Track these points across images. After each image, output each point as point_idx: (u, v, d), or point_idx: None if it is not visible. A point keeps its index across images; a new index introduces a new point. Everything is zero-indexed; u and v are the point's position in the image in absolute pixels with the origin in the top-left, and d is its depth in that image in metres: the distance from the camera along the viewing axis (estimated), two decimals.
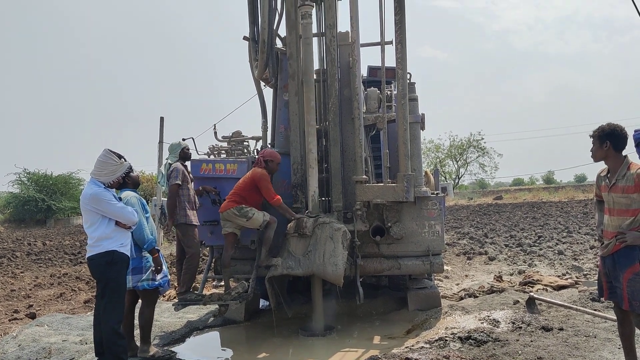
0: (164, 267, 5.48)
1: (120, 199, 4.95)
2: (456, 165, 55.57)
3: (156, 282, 5.36)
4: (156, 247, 5.34)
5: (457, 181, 55.95)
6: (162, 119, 18.47)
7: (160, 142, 18.32)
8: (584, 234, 14.66)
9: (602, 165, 4.15)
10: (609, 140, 3.94)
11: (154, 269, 5.34)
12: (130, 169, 5.06)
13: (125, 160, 4.84)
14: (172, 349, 5.86)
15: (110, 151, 4.77)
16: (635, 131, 3.88)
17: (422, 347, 5.16)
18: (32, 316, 7.77)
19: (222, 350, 6.18)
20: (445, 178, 52.49)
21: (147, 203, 5.68)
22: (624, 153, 3.99)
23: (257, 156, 7.10)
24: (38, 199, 38.20)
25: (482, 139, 53.65)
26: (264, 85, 7.93)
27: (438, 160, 54.00)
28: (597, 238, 4.15)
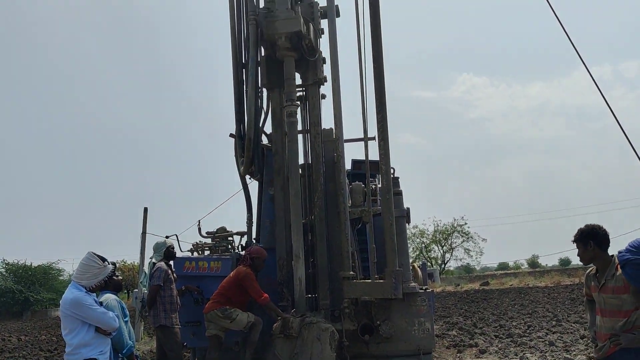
0: None
1: (100, 303, 4.80)
2: (441, 251, 55.53)
3: None
4: (135, 354, 5.13)
5: (443, 267, 55.67)
6: (145, 209, 18.37)
7: (144, 232, 18.08)
8: (573, 322, 14.44)
9: None
10: (591, 241, 3.97)
11: None
12: (114, 272, 4.95)
13: (108, 263, 4.75)
14: None
15: (94, 254, 4.69)
16: (619, 252, 3.89)
17: None
18: None
19: None
20: (432, 264, 52.27)
21: (129, 295, 5.52)
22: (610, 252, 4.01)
23: (241, 253, 7.02)
24: (16, 290, 37.05)
25: (466, 223, 54.03)
26: (250, 179, 7.98)
27: (423, 245, 54.01)
28: (590, 339, 4.07)
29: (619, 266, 3.89)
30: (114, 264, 4.92)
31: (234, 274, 6.08)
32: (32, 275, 39.22)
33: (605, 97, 5.38)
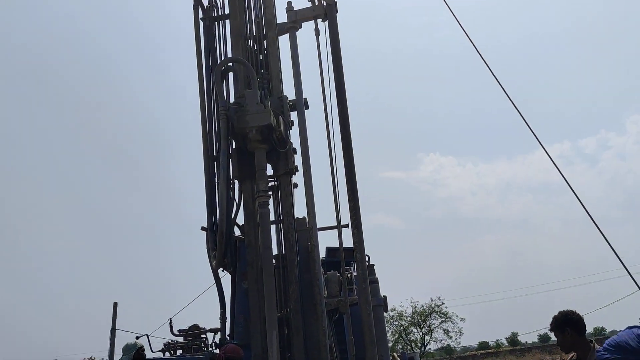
0: None
1: None
2: (421, 333, 54.41)
3: None
4: None
5: (423, 350, 54.33)
6: (115, 304, 17.74)
7: (113, 329, 17.38)
8: None
9: None
10: (568, 327, 3.94)
11: None
12: None
13: None
14: None
15: None
16: (597, 351, 3.81)
17: None
18: None
19: None
20: (412, 347, 51.00)
21: None
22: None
23: (215, 351, 6.74)
24: None
25: (443, 303, 53.39)
26: (222, 271, 7.81)
27: (402, 328, 52.89)
28: None
29: None
30: None
31: None
32: None
33: (563, 174, 5.57)
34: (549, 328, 4.08)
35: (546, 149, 5.88)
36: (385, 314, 7.20)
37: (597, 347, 3.89)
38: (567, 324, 3.94)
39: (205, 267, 7.43)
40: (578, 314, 4.00)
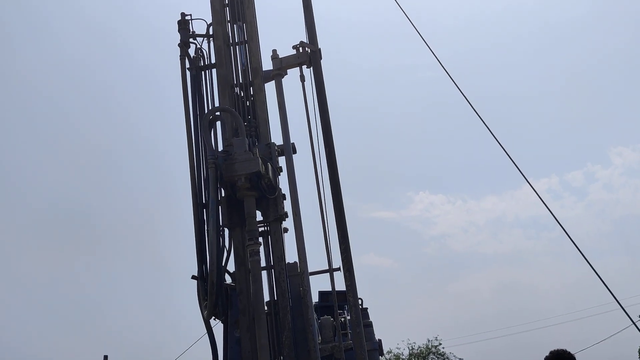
0: None
1: None
2: None
3: None
4: None
5: None
6: (105, 357, 17.41)
7: None
8: None
9: None
10: None
11: None
12: None
13: None
14: None
15: None
16: None
17: None
18: None
19: None
20: None
21: None
22: None
23: None
24: None
25: (440, 344, 52.70)
26: (214, 319, 7.69)
27: None
28: None
29: None
30: None
31: None
32: None
33: (550, 210, 5.62)
34: None
35: (532, 185, 6.00)
36: (380, 357, 7.09)
37: None
38: None
39: (195, 316, 7.33)
40: (569, 353, 3.99)
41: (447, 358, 52.35)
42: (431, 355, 52.59)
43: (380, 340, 7.01)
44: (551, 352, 3.99)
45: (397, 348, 53.21)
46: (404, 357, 53.07)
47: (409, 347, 53.09)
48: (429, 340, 53.02)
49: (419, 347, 53.05)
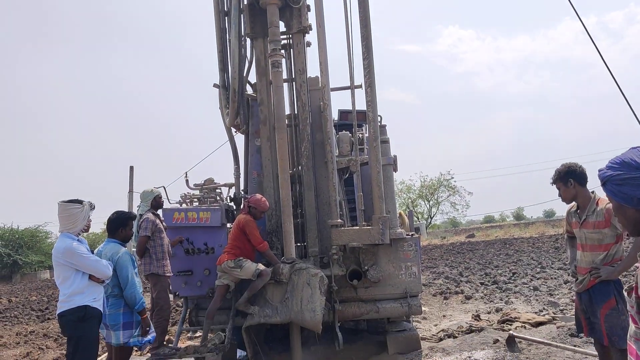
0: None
1: (93, 252, 4.79)
2: (428, 205, 56.09)
3: (146, 339, 5.15)
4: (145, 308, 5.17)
5: (429, 221, 56.36)
6: (131, 168, 18.31)
7: (130, 191, 18.02)
8: (557, 269, 14.80)
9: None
10: (571, 179, 4.03)
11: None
12: (93, 206, 4.83)
13: (84, 202, 4.68)
14: None
15: (66, 202, 4.60)
16: (599, 170, 3.91)
17: None
18: None
19: None
20: (418, 218, 52.84)
21: None
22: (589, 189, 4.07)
23: (230, 204, 7.06)
24: (3, 254, 37.04)
25: (452, 178, 54.48)
26: (235, 132, 7.94)
27: (410, 200, 54.45)
28: (570, 274, 4.20)
29: (599, 201, 3.98)
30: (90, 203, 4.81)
31: (236, 223, 6.16)
32: (19, 239, 39.13)
33: (596, 45, 5.36)
34: (552, 181, 4.17)
35: (573, 22, 5.59)
36: (394, 173, 7.36)
37: (598, 197, 4.03)
38: (570, 175, 4.04)
39: (218, 124, 7.56)
40: (581, 166, 4.08)
41: (458, 191, 54.47)
42: (441, 188, 54.65)
43: (395, 156, 7.21)
44: (563, 165, 4.09)
45: (409, 180, 55.30)
46: (415, 188, 55.31)
47: (421, 180, 55.10)
48: (441, 174, 54.77)
49: (431, 179, 54.97)
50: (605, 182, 1.90)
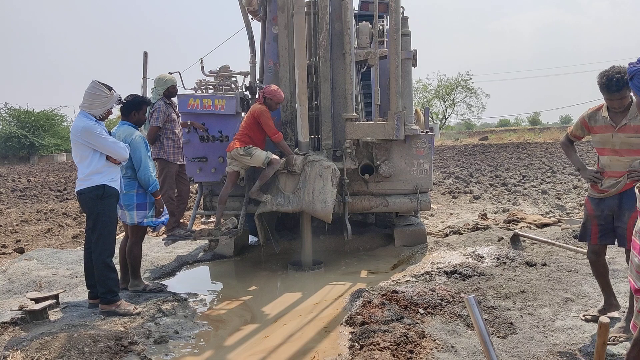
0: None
1: (110, 133, 4.84)
2: (443, 106, 55.46)
3: (159, 220, 5.32)
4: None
5: (444, 122, 55.98)
6: (145, 53, 17.99)
7: (144, 77, 17.94)
8: (568, 174, 14.86)
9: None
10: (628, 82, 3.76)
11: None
12: (120, 100, 4.90)
13: (114, 92, 4.71)
14: (163, 282, 5.94)
15: (99, 82, 4.62)
16: (630, 64, 3.63)
17: (409, 280, 5.28)
18: (21, 251, 7.79)
19: (212, 283, 6.28)
20: (433, 118, 52.44)
21: None
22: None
23: (245, 92, 7.01)
24: (20, 135, 37.67)
25: (470, 79, 53.36)
26: (252, 18, 7.70)
27: (426, 100, 53.77)
28: (589, 178, 4.08)
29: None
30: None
31: (250, 112, 6.14)
32: (35, 121, 39.59)
33: None
34: (614, 88, 3.76)
35: None
36: (413, 68, 7.17)
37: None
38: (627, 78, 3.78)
39: (235, 8, 7.30)
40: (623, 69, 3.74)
41: (474, 92, 53.57)
42: (459, 89, 53.73)
43: (415, 50, 6.99)
44: (613, 69, 3.74)
45: (426, 79, 54.26)
46: (432, 87, 54.40)
47: (438, 79, 53.99)
48: (459, 74, 53.56)
49: (448, 79, 53.89)
50: (633, 76, 1.83)
